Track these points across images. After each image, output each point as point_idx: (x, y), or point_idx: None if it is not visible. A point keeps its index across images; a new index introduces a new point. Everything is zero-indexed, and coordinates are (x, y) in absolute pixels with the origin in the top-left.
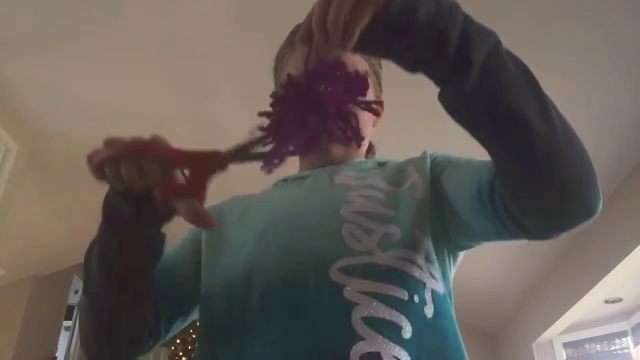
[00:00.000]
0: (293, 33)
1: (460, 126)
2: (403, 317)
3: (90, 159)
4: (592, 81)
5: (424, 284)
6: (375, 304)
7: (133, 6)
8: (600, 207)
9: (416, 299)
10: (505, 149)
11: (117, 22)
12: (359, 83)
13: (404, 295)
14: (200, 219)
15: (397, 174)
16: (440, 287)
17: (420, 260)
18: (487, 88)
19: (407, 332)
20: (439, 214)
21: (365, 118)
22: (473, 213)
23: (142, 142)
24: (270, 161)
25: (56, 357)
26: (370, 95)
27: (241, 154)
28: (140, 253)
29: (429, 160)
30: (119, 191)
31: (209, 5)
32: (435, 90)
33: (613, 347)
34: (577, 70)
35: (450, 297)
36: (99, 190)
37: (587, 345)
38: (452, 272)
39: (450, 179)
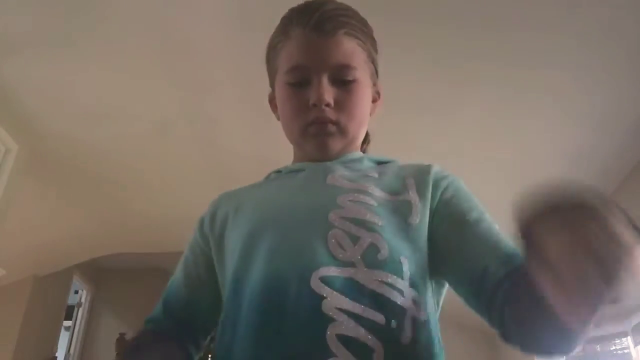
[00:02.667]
0: (285, 21)
1: None
2: (377, 342)
3: None
4: (592, 81)
5: (405, 311)
6: (351, 324)
7: (133, 6)
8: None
9: (393, 324)
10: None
11: (118, 22)
12: None
13: (381, 320)
14: None
15: (395, 181)
16: (422, 314)
17: (403, 286)
18: None
19: (380, 356)
20: (430, 252)
21: (363, 107)
22: (465, 288)
23: None
24: None
25: (56, 357)
26: (366, 82)
27: None
28: None
29: (431, 181)
30: None
31: (209, 5)
32: (430, 86)
33: (613, 347)
34: (578, 70)
35: (435, 322)
36: (99, 191)
37: (587, 345)
38: (442, 294)
39: (452, 239)
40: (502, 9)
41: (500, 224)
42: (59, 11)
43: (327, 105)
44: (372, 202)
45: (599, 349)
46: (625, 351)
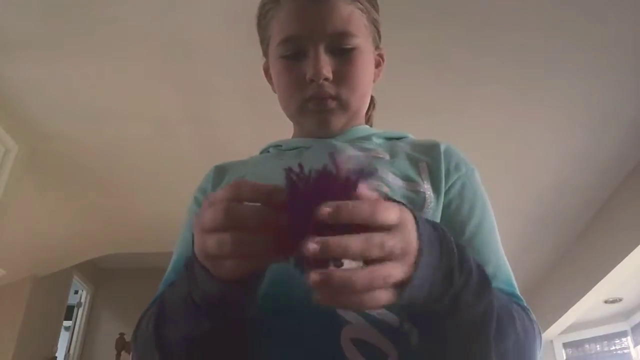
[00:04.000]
0: None
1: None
2: (391, 345)
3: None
4: (592, 81)
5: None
6: (366, 325)
7: (134, 6)
8: None
9: (406, 326)
10: None
11: (118, 22)
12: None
13: (395, 322)
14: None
15: (408, 164)
16: None
17: None
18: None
19: None
20: None
21: (365, 77)
22: None
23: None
24: None
25: (56, 357)
26: (367, 48)
27: None
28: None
29: (443, 169)
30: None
31: (210, 5)
32: (431, 87)
33: (613, 347)
34: (578, 71)
35: None
36: (99, 191)
37: (587, 345)
38: None
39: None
40: (503, 10)
41: (500, 225)
42: (59, 11)
43: (326, 79)
44: (385, 189)
45: (599, 349)
46: (625, 351)
